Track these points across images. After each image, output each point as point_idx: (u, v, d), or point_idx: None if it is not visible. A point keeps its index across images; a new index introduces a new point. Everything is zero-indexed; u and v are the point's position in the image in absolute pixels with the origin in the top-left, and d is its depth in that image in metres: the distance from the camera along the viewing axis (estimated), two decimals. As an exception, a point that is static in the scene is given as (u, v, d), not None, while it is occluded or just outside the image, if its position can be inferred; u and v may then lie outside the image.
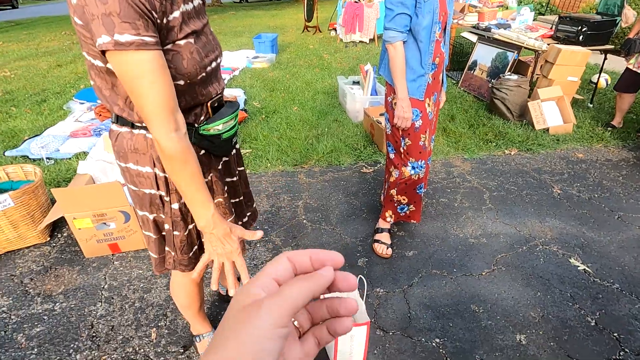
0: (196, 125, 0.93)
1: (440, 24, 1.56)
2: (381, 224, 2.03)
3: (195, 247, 1.07)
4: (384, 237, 1.99)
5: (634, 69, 3.08)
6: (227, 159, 1.10)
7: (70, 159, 2.88)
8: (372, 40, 6.79)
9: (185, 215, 1.00)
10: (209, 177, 1.03)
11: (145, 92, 0.73)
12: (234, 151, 1.14)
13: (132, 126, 0.90)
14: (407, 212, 1.94)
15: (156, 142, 0.78)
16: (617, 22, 3.84)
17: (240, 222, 1.24)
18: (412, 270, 1.87)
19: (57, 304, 1.69)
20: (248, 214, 1.28)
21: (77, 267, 1.89)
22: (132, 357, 1.45)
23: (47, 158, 2.86)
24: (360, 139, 3.16)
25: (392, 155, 1.85)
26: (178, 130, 0.78)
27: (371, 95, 3.50)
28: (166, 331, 1.56)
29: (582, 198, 2.45)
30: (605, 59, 3.79)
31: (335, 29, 7.36)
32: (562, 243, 2.05)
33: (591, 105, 3.83)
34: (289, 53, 6.17)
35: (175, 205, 0.97)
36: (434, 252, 1.99)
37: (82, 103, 3.81)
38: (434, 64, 1.63)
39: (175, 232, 1.01)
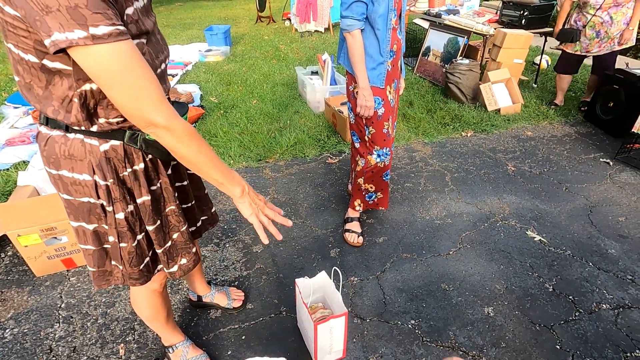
0: (142, 130, 0.87)
1: (396, 11, 1.57)
2: (350, 213, 2.04)
3: (147, 259, 1.01)
4: (354, 226, 2.01)
5: (580, 54, 3.28)
6: (175, 162, 1.04)
7: (8, 169, 2.61)
8: (327, 29, 6.76)
9: (132, 224, 0.93)
10: (158, 184, 0.97)
11: (139, 82, 0.69)
12: None
13: (67, 129, 0.81)
14: (375, 199, 1.96)
15: (165, 132, 0.74)
16: (554, 5, 4.09)
17: (193, 228, 1.19)
18: (383, 256, 1.91)
19: (7, 330, 1.53)
20: (203, 218, 1.23)
21: (28, 288, 1.73)
22: (100, 377, 1.36)
23: (-20, 171, 2.57)
24: (323, 130, 3.14)
25: (357, 144, 1.86)
26: (178, 114, 0.76)
27: (331, 84, 3.48)
28: (135, 346, 1.47)
29: (533, 173, 2.61)
30: (545, 41, 4.04)
31: (289, 19, 7.23)
32: (519, 217, 2.18)
33: (535, 86, 4.09)
34: (244, 45, 5.99)
35: (121, 215, 0.90)
36: (403, 237, 2.04)
37: (17, 107, 3.46)
38: (392, 52, 1.64)
39: (122, 244, 0.94)
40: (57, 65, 0.73)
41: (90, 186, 0.86)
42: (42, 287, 1.73)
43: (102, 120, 0.82)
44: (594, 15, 3.07)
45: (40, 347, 1.47)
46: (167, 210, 1.01)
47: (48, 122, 0.82)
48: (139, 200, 0.93)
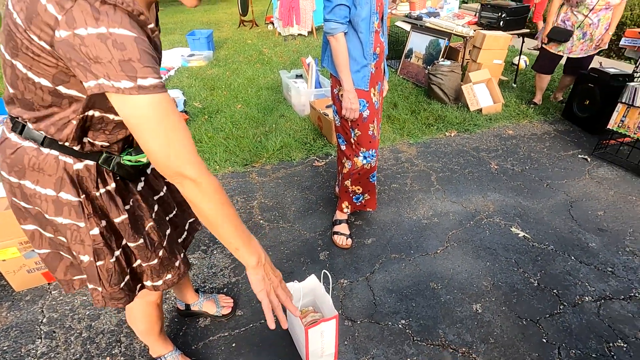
0: (117, 154, 0.89)
1: (378, 14, 1.59)
2: (338, 215, 2.05)
3: (127, 277, 0.98)
4: (343, 228, 2.01)
5: (562, 54, 3.33)
6: (143, 177, 1.03)
7: (-17, 181, 2.51)
8: (310, 32, 6.78)
9: (108, 240, 0.90)
10: (131, 203, 0.95)
11: (176, 130, 0.71)
12: (150, 169, 1.06)
13: (42, 143, 0.79)
14: (363, 201, 1.97)
15: (193, 184, 0.74)
16: (529, 8, 4.21)
17: (181, 238, 1.18)
18: (372, 257, 1.92)
19: (-14, 348, 1.47)
20: (190, 221, 1.23)
21: (7, 304, 1.67)
22: (85, 393, 1.32)
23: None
24: (309, 133, 3.15)
25: (343, 147, 1.86)
26: (207, 169, 0.77)
27: (315, 87, 3.49)
28: (122, 358, 1.43)
29: (515, 171, 2.68)
30: (523, 42, 4.16)
31: (272, 23, 7.22)
32: (503, 214, 2.23)
33: (515, 85, 4.19)
34: (227, 49, 5.95)
35: (95, 231, 0.87)
36: (391, 237, 2.05)
37: (-8, 116, 3.34)
38: (375, 54, 1.66)
39: (99, 262, 0.91)
40: (72, 92, 0.73)
41: (51, 202, 0.83)
42: (22, 302, 1.67)
43: (87, 141, 0.83)
44: (586, 16, 3.08)
45: (22, 364, 1.41)
46: (147, 227, 0.99)
47: (22, 131, 0.79)
48: (117, 220, 0.91)
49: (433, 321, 1.58)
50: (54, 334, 1.53)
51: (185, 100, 3.82)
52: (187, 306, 1.56)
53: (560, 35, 3.24)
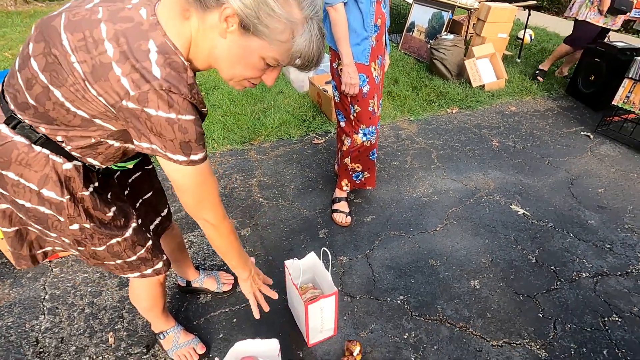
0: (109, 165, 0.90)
1: (380, -18, 1.51)
2: (338, 193, 2.04)
3: (112, 262, 0.99)
4: (342, 206, 2.00)
5: (609, 27, 3.11)
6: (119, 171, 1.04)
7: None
8: (309, 5, 6.55)
9: (90, 236, 0.90)
10: (109, 196, 0.95)
11: (209, 191, 0.84)
12: None
13: (35, 142, 0.77)
14: (362, 179, 1.96)
15: (213, 227, 0.89)
16: (537, -22, 4.05)
17: (158, 219, 1.20)
18: (371, 234, 1.92)
19: (-10, 324, 1.49)
20: (163, 214, 1.24)
21: (9, 281, 1.68)
22: (90, 366, 1.35)
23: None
24: (308, 110, 3.09)
25: (342, 124, 1.83)
26: (226, 214, 0.92)
27: (315, 63, 3.40)
28: (125, 333, 1.46)
29: (517, 148, 2.65)
30: (529, 14, 4.02)
31: (269, -5, 6.97)
32: (503, 192, 2.22)
33: (519, 60, 4.09)
34: (223, 23, 5.76)
35: (75, 227, 0.87)
36: (391, 215, 2.05)
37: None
38: (376, 26, 1.59)
39: (80, 248, 0.93)
40: (107, 125, 0.75)
41: (34, 194, 0.82)
42: (23, 280, 1.68)
43: (89, 159, 0.84)
44: None
45: (26, 339, 1.44)
46: (131, 219, 1.00)
47: (16, 126, 0.76)
48: (109, 214, 0.92)
49: (431, 297, 1.60)
50: (56, 310, 1.55)
51: (181, 76, 3.73)
52: (188, 283, 1.58)
53: (626, 4, 3.00)
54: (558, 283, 1.66)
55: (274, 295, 1.16)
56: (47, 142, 0.78)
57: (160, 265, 1.07)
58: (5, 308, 1.56)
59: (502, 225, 1.98)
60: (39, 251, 1.01)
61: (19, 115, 0.76)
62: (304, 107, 3.13)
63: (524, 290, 1.62)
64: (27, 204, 0.83)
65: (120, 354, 1.39)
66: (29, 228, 0.95)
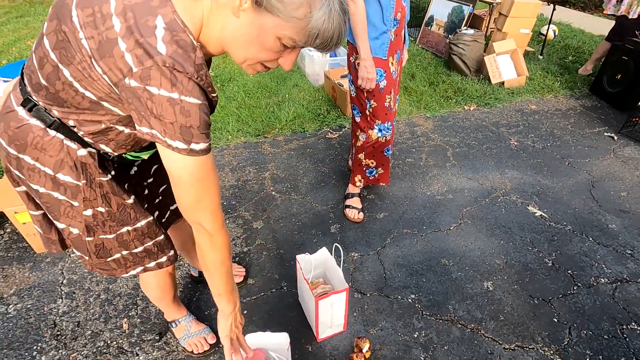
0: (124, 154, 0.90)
1: (401, -25, 1.48)
2: (351, 189, 2.02)
3: (119, 254, 0.99)
4: (355, 201, 1.99)
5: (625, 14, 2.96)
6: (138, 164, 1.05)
7: (2, 146, 2.56)
8: (326, -3, 6.48)
9: (102, 223, 0.91)
10: (126, 187, 0.95)
11: (209, 190, 0.77)
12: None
13: (50, 125, 0.77)
14: (376, 175, 1.94)
15: (207, 236, 0.81)
16: (564, -29, 3.90)
17: (165, 215, 1.20)
18: (384, 231, 1.91)
19: (11, 306, 1.54)
20: (172, 207, 1.23)
21: (29, 264, 1.73)
22: (105, 350, 1.38)
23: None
24: (323, 104, 3.07)
25: (357, 119, 1.81)
26: (224, 224, 0.84)
27: (330, 57, 3.37)
28: (139, 320, 1.49)
29: (536, 148, 2.58)
30: (554, 9, 3.89)
31: (286, -13, 6.92)
32: (520, 192, 2.17)
33: (541, 57, 3.97)
34: (240, 14, 5.76)
35: (89, 212, 0.88)
36: (404, 212, 2.03)
37: (7, 80, 3.36)
38: (396, 20, 1.56)
39: (89, 238, 0.92)
40: (115, 109, 0.74)
41: (49, 178, 0.83)
42: (42, 264, 1.73)
43: (102, 146, 0.84)
44: None
45: (44, 322, 1.48)
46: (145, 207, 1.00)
47: (32, 109, 0.77)
48: (129, 201, 0.92)
49: (443, 297, 1.58)
50: (74, 295, 1.59)
51: (197, 67, 3.75)
52: (200, 273, 1.60)
53: None
54: (575, 288, 1.62)
55: (249, 353, 1.06)
56: (61, 127, 0.78)
57: (164, 259, 1.06)
58: (25, 291, 1.61)
59: (518, 226, 1.93)
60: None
61: (34, 97, 0.76)
62: (318, 101, 3.11)
63: (539, 293, 1.59)
64: (41, 189, 0.84)
65: (133, 340, 1.42)
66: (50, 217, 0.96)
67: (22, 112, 0.78)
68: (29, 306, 1.54)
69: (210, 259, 0.86)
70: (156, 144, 0.70)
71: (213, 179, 0.77)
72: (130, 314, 1.51)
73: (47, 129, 0.78)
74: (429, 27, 4.27)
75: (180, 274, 1.68)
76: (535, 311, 1.52)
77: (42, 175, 0.82)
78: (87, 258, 0.96)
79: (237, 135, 2.69)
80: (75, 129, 0.78)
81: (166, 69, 0.63)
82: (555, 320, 1.49)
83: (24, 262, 1.74)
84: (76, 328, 1.46)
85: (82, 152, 0.82)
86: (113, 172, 0.90)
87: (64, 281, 1.65)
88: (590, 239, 1.86)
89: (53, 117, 0.76)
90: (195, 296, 1.59)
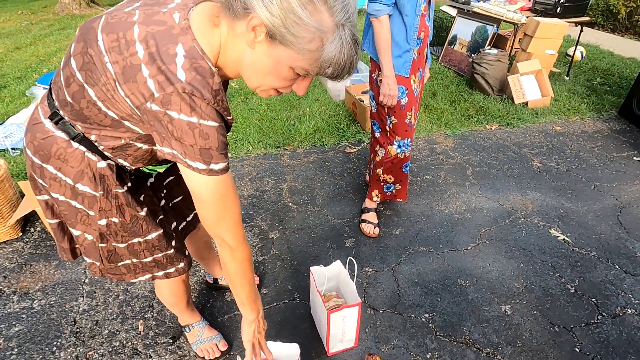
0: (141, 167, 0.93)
1: (425, -4, 1.51)
2: (368, 203, 2.03)
3: (128, 261, 1.01)
4: (371, 216, 1.99)
5: None
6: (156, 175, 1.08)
7: (37, 148, 2.70)
8: (350, 15, 6.62)
9: (114, 233, 0.94)
10: (142, 197, 0.98)
11: (229, 207, 0.80)
12: None
13: (74, 138, 0.81)
14: (394, 191, 1.94)
15: (229, 249, 0.85)
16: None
17: (180, 225, 1.22)
18: (399, 248, 1.89)
19: (36, 301, 1.61)
20: (188, 219, 1.25)
21: (54, 262, 1.81)
22: (120, 350, 1.42)
23: (12, 149, 2.69)
24: (343, 118, 3.11)
25: (377, 134, 1.82)
26: (245, 238, 0.88)
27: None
28: (154, 322, 1.52)
29: (560, 170, 2.51)
30: (581, 31, 3.83)
31: (312, 4, 7.11)
32: (542, 215, 2.11)
33: (567, 78, 3.90)
34: (266, 30, 5.94)
35: (103, 222, 0.91)
36: (420, 229, 2.00)
37: (47, 88, 3.57)
38: (419, 39, 1.59)
39: (102, 245, 0.95)
40: (136, 128, 0.77)
41: (69, 188, 0.86)
42: (67, 262, 1.81)
43: (120, 160, 0.87)
44: None
45: (65, 318, 1.54)
46: (158, 219, 1.02)
47: (58, 121, 0.80)
48: (141, 213, 0.94)
49: (458, 318, 1.54)
50: (94, 294, 1.64)
51: (223, 80, 3.87)
52: (215, 280, 1.62)
53: None
54: (599, 317, 1.55)
55: (270, 356, 1.09)
56: (84, 140, 0.81)
57: (172, 270, 1.08)
58: (50, 287, 1.67)
59: (539, 249, 1.87)
60: (77, 246, 1.06)
61: (61, 112, 0.80)
62: (338, 116, 3.15)
63: (560, 321, 1.53)
64: (61, 197, 0.88)
65: (148, 342, 1.45)
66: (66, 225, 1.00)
67: (48, 124, 0.82)
68: (52, 302, 1.61)
69: (232, 271, 0.89)
70: (177, 163, 0.74)
71: (233, 197, 0.80)
72: (146, 316, 1.55)
73: (71, 142, 0.82)
74: (452, 46, 4.29)
75: (196, 279, 1.72)
76: (555, 339, 1.46)
77: (62, 184, 0.86)
78: (97, 264, 0.99)
79: (258, 146, 2.76)
80: (96, 144, 0.82)
81: (186, 95, 0.66)
82: (577, 350, 1.42)
83: (50, 260, 1.82)
84: (94, 327, 1.50)
85: (102, 164, 0.85)
86: (129, 184, 0.93)
87: (86, 280, 1.71)
88: (617, 266, 1.78)
89: (77, 130, 0.80)
90: (209, 302, 1.61)
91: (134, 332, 1.48)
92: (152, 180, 1.06)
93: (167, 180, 1.13)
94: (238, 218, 0.83)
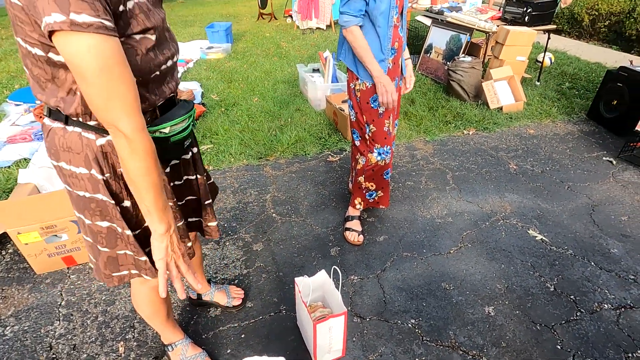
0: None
1: (397, 8, 1.55)
2: (351, 211, 2.04)
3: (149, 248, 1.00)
4: (355, 224, 2.00)
5: None
6: (177, 161, 1.04)
7: (9, 167, 2.61)
8: (329, 26, 6.73)
9: (135, 215, 0.93)
10: None
11: (119, 84, 0.68)
12: (188, 155, 1.07)
13: (66, 122, 0.82)
14: (376, 198, 1.96)
15: (125, 139, 0.72)
16: (557, 2, 4.05)
17: (189, 220, 1.21)
18: (384, 254, 1.90)
19: (8, 327, 1.54)
20: (210, 224, 1.23)
21: (28, 286, 1.73)
22: (100, 375, 1.36)
23: (-19, 168, 2.58)
24: (324, 128, 3.13)
25: (357, 143, 1.85)
26: (145, 127, 0.75)
27: (332, 82, 3.47)
28: (135, 343, 1.47)
29: (535, 172, 2.60)
30: (549, 38, 4.01)
31: (291, 16, 7.20)
32: (520, 216, 2.17)
33: (538, 83, 4.06)
34: (245, 42, 5.97)
35: (127, 203, 0.91)
36: (404, 235, 2.03)
37: (19, 105, 3.46)
38: (393, 49, 1.63)
39: (127, 232, 0.94)
40: (62, 58, 0.72)
41: (87, 179, 0.86)
42: (42, 285, 1.73)
43: None
44: None
45: (41, 344, 1.47)
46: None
47: (51, 113, 0.83)
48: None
49: (443, 322, 1.56)
50: (71, 317, 1.58)
51: (202, 92, 3.86)
52: (199, 296, 1.59)
53: None
54: (578, 314, 1.59)
55: (196, 285, 0.92)
56: (72, 121, 0.81)
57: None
58: (23, 312, 1.60)
59: (519, 250, 1.92)
60: (115, 274, 1.00)
61: (46, 104, 0.81)
62: (320, 125, 3.18)
63: (542, 319, 1.56)
64: (86, 194, 0.87)
65: (129, 364, 1.40)
66: (98, 246, 0.96)
67: (47, 121, 0.84)
68: (25, 328, 1.53)
69: (132, 168, 0.75)
70: (54, 42, 0.64)
71: (123, 71, 0.68)
72: (127, 337, 1.50)
73: (66, 127, 0.82)
74: (428, 55, 4.40)
75: (178, 296, 1.67)
76: (537, 337, 1.49)
77: (80, 178, 0.86)
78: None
79: (240, 158, 2.74)
80: (63, 112, 0.79)
81: None
82: (559, 347, 1.46)
83: (23, 283, 1.74)
84: (72, 351, 1.44)
85: (101, 141, 0.83)
86: None
87: (62, 303, 1.65)
88: (592, 263, 1.84)
89: (63, 113, 0.80)
90: (193, 319, 1.57)
91: (114, 354, 1.43)
92: (167, 170, 1.01)
93: (185, 177, 1.11)
94: (134, 101, 0.71)
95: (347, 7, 1.47)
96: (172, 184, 1.06)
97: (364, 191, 1.92)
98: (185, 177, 1.11)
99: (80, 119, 0.81)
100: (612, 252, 1.91)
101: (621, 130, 3.01)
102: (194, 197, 1.17)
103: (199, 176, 1.13)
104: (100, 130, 0.83)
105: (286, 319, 1.57)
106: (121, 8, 0.70)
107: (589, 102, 3.50)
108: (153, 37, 0.78)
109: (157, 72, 0.83)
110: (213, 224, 1.21)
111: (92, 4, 0.62)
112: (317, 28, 6.72)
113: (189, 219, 1.21)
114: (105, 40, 0.64)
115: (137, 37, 0.75)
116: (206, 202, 1.18)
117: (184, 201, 1.15)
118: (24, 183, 2.04)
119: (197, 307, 1.62)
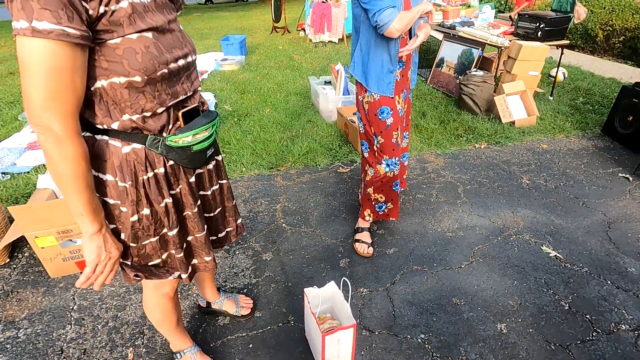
0: (164, 135, 0.88)
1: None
2: (361, 223, 2.03)
3: (158, 260, 1.02)
4: (365, 236, 1.99)
5: None
6: (200, 171, 1.06)
7: (28, 172, 2.69)
8: (341, 40, 6.83)
9: (146, 228, 0.94)
10: (178, 190, 0.98)
11: (64, 89, 0.69)
12: (212, 164, 1.10)
13: (94, 131, 0.84)
14: (386, 210, 1.95)
15: (55, 139, 0.72)
16: (570, 18, 4.05)
17: (215, 237, 1.22)
18: (393, 267, 1.88)
19: (21, 330, 1.56)
20: (228, 230, 1.25)
21: (42, 289, 1.77)
22: (108, 380, 1.37)
23: (2, 173, 2.67)
24: (335, 139, 3.15)
25: (366, 154, 1.86)
26: (80, 132, 0.76)
27: (343, 94, 3.50)
28: (144, 350, 1.48)
29: (549, 187, 2.56)
30: (562, 53, 3.99)
31: (304, 30, 7.34)
32: (533, 232, 2.13)
33: (551, 98, 4.03)
34: (259, 54, 6.09)
35: (135, 217, 0.91)
36: (414, 248, 2.01)
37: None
38: (402, 62, 1.65)
39: (132, 244, 0.96)
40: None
41: (112, 186, 0.88)
42: (56, 289, 1.77)
43: (125, 117, 0.82)
44: None
45: (52, 348, 1.49)
46: (184, 214, 1.02)
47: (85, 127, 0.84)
48: (162, 204, 0.93)
49: (454, 338, 1.53)
50: (83, 321, 1.60)
51: (216, 102, 3.93)
52: (208, 304, 1.60)
53: None
54: (594, 334, 1.54)
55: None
56: (100, 129, 0.83)
57: (176, 274, 1.07)
58: (37, 315, 1.63)
59: (532, 266, 1.89)
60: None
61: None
62: (331, 137, 3.20)
63: (556, 338, 1.52)
64: (110, 201, 0.89)
65: (137, 371, 1.40)
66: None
67: (86, 134, 0.86)
68: (38, 331, 1.56)
69: (64, 172, 0.74)
70: (17, 44, 0.66)
71: (72, 78, 0.69)
72: (136, 343, 1.51)
73: (95, 136, 0.85)
74: (440, 68, 4.42)
75: (188, 303, 1.69)
76: (552, 357, 1.45)
77: (106, 186, 0.87)
78: (128, 263, 0.99)
79: (251, 167, 2.77)
80: (100, 126, 0.82)
81: None
82: (574, 368, 1.41)
83: (38, 287, 1.78)
84: (82, 356, 1.46)
85: (127, 149, 0.85)
86: (162, 170, 0.90)
87: (75, 307, 1.67)
88: (609, 282, 1.80)
89: (91, 123, 0.82)
90: (202, 327, 1.58)
91: (123, 360, 1.44)
92: (192, 179, 1.01)
93: (213, 188, 1.13)
94: (74, 106, 0.72)
95: (378, 5, 1.41)
96: (199, 193, 1.08)
97: (373, 202, 1.92)
98: (212, 189, 1.12)
99: (105, 125, 0.83)
100: (630, 271, 1.85)
101: (637, 147, 2.96)
102: (227, 204, 1.20)
103: (223, 182, 1.18)
104: (126, 138, 0.85)
105: (294, 329, 1.56)
106: (105, 9, 0.71)
107: (604, 118, 3.46)
108: (150, 36, 0.79)
109: (165, 70, 0.82)
110: (240, 220, 1.29)
111: (54, 12, 0.64)
112: (330, 41, 6.82)
113: (219, 235, 1.23)
114: (64, 46, 0.67)
115: (134, 36, 0.76)
116: (234, 203, 1.25)
117: (213, 213, 1.17)
118: (42, 188, 2.10)
119: (205, 315, 1.63)
